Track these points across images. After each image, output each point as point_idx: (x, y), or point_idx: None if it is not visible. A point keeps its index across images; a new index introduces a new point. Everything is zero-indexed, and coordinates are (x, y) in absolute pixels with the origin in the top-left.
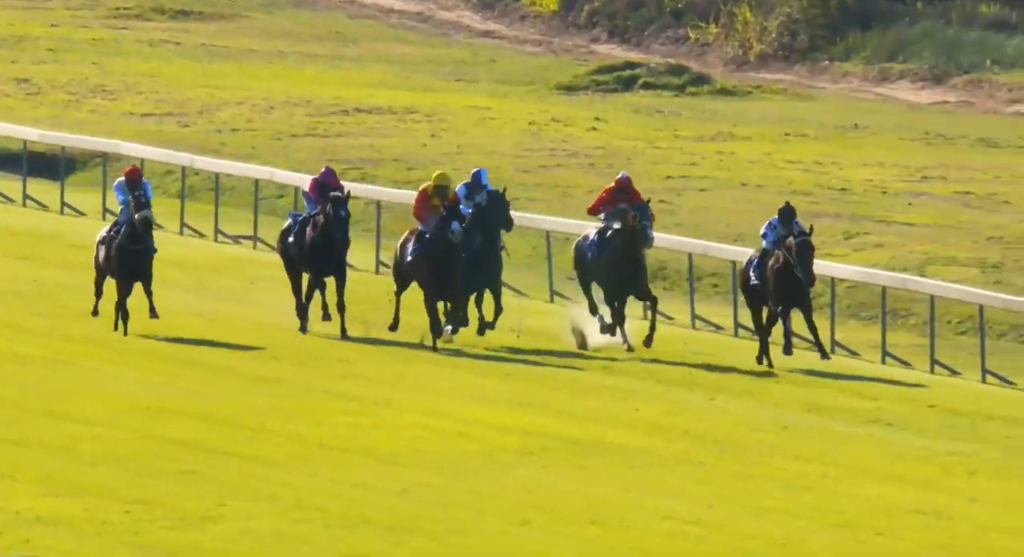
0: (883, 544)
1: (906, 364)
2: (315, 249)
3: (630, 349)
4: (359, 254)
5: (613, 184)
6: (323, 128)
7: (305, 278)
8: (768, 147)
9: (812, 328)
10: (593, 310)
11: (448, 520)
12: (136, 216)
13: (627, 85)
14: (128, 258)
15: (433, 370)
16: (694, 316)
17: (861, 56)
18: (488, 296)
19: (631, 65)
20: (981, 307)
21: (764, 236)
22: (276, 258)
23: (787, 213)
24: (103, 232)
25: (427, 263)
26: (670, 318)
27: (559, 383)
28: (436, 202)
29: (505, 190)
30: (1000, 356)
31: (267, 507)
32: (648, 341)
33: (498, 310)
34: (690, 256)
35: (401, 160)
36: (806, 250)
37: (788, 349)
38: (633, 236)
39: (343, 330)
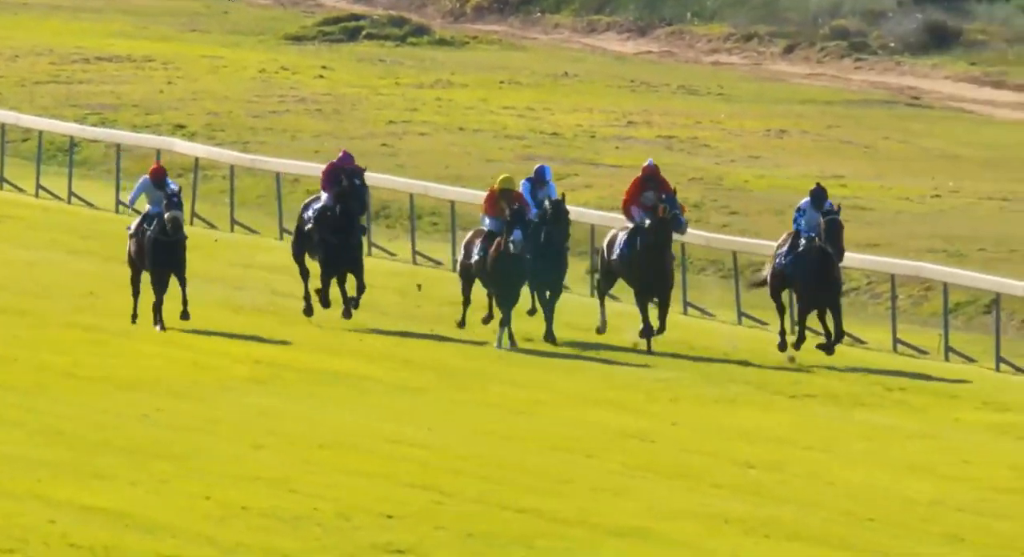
0: (592, 464)
1: (615, 299)
2: (329, 245)
3: (602, 331)
4: (98, 195)
5: (640, 173)
6: (65, 76)
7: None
8: (484, 94)
9: (836, 318)
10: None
11: (186, 444)
12: (167, 215)
13: (352, 36)
14: (160, 248)
15: (171, 305)
16: (415, 252)
17: (571, 8)
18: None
19: (355, 17)
20: (683, 245)
21: (795, 221)
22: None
23: (819, 195)
24: (133, 225)
25: (492, 267)
26: (392, 254)
27: (289, 317)
28: (502, 205)
29: (564, 196)
30: (699, 290)
31: (13, 433)
32: (660, 329)
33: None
34: (411, 197)
35: (139, 106)
36: (835, 227)
37: (830, 349)
38: (664, 226)
39: (350, 307)
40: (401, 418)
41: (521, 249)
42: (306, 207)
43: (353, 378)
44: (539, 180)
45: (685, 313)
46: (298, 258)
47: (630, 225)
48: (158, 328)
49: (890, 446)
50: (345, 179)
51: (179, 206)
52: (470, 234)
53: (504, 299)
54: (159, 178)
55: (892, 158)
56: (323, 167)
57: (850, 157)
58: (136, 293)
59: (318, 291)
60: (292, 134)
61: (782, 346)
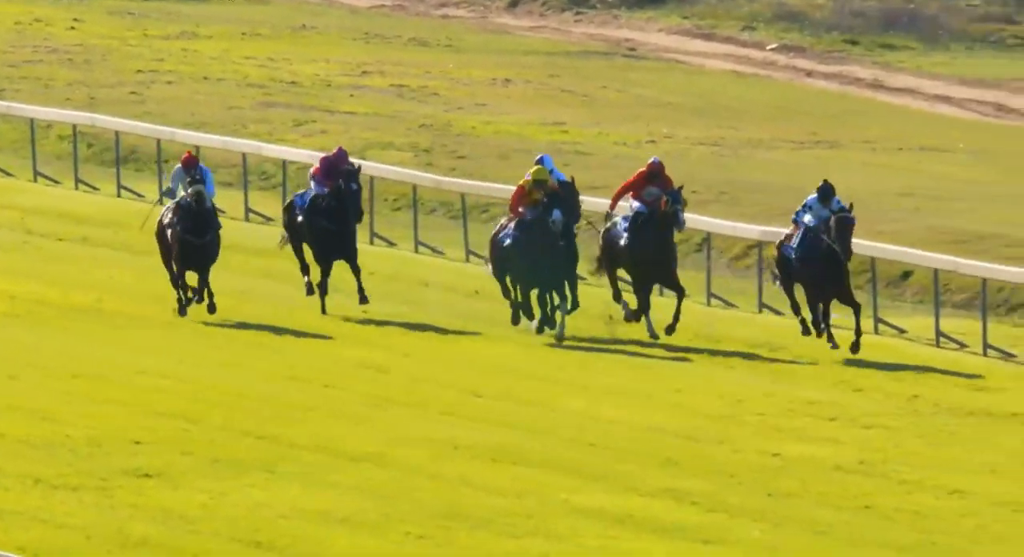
0: (330, 394)
1: (392, 245)
2: (324, 234)
3: (655, 336)
4: None
5: (644, 169)
6: None
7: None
8: (227, 45)
9: (858, 311)
10: (617, 297)
11: None
12: (190, 189)
13: None
14: (191, 250)
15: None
16: (162, 195)
17: None
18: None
19: None
20: (415, 186)
21: (797, 216)
22: None
23: (826, 191)
24: (167, 217)
25: (525, 249)
26: (140, 195)
27: (43, 255)
28: (537, 196)
29: (573, 179)
30: (430, 230)
31: None
32: (670, 329)
33: (574, 305)
34: (158, 142)
35: None
36: (846, 225)
37: (831, 341)
38: (665, 220)
39: (361, 293)
40: (150, 351)
41: (560, 228)
42: (295, 199)
43: (106, 314)
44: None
45: (416, 251)
46: (297, 251)
47: (631, 210)
48: (189, 296)
49: (609, 377)
50: (343, 181)
51: (202, 182)
52: (501, 222)
53: (551, 284)
54: (190, 165)
55: (610, 106)
56: (317, 161)
57: (570, 105)
58: (178, 285)
59: (319, 285)
60: (45, 82)
61: (806, 332)
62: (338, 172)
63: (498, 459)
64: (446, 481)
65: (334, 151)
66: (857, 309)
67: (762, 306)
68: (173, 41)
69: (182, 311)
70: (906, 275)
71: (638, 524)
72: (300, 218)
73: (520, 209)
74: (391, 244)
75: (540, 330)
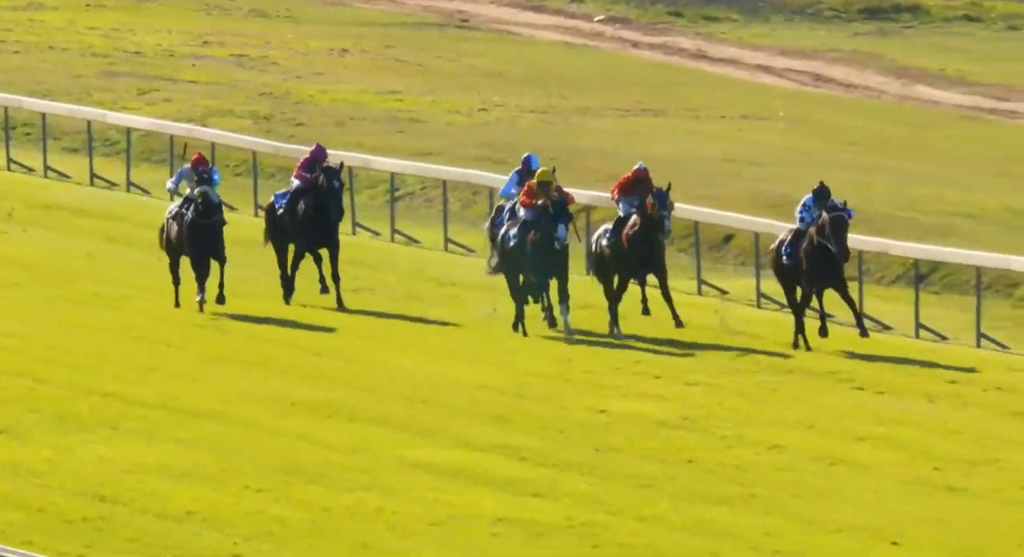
0: (172, 354)
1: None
2: (309, 221)
3: (619, 333)
4: None
5: (631, 174)
6: None
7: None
8: (72, 16)
9: (850, 303)
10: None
11: None
12: (197, 190)
13: None
14: (198, 233)
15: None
16: (10, 161)
17: None
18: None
19: None
20: (255, 153)
21: (801, 218)
22: None
23: (822, 192)
24: (173, 208)
25: (528, 252)
26: (67, 176)
27: None
28: (541, 198)
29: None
30: (268, 194)
31: None
32: (677, 322)
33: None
34: (6, 109)
35: None
36: (840, 224)
37: (824, 331)
38: (651, 224)
39: (339, 301)
40: None
41: (564, 244)
42: (275, 199)
43: None
44: (526, 170)
45: (256, 215)
46: (280, 247)
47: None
48: (199, 298)
49: (439, 337)
50: (323, 178)
51: (209, 182)
52: (505, 226)
53: (551, 283)
54: (200, 165)
55: (443, 75)
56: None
57: (405, 74)
58: (176, 281)
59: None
60: None
61: (822, 331)
62: (321, 169)
63: (334, 415)
64: (284, 437)
65: (312, 148)
66: (851, 304)
67: (590, 270)
68: (20, 12)
69: (178, 303)
70: (728, 239)
71: (469, 478)
72: (281, 211)
73: (527, 202)
74: (232, 208)
75: (552, 322)
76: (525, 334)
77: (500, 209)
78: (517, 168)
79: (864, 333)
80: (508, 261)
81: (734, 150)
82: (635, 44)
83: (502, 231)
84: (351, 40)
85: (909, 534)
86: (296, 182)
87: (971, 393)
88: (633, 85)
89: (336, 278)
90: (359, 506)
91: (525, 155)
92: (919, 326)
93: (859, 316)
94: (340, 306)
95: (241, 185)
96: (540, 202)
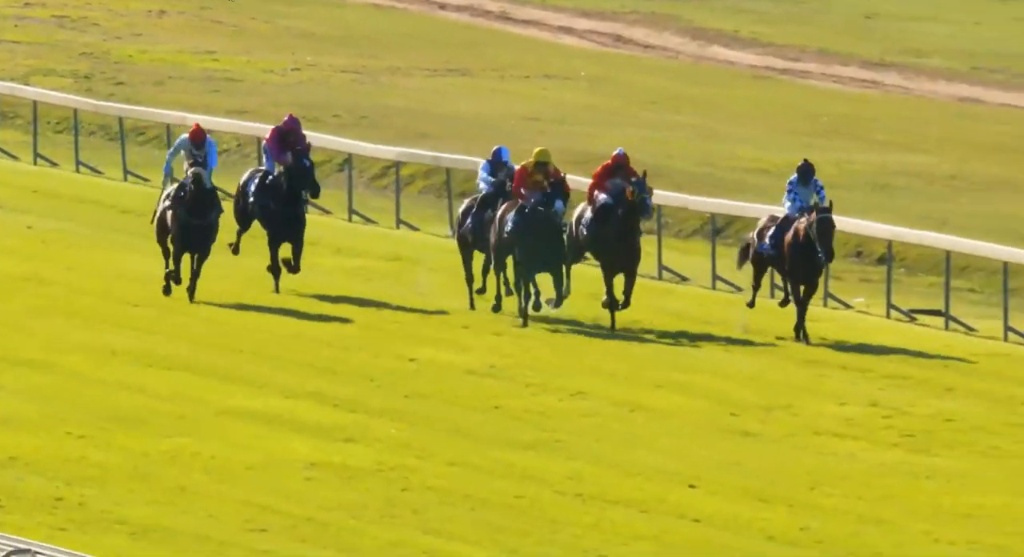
0: None
1: (55, 165)
2: (275, 216)
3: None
4: None
5: (610, 161)
6: None
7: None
8: None
9: (802, 308)
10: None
11: None
12: (190, 172)
13: None
14: (190, 233)
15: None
16: None
17: None
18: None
19: None
20: (75, 111)
21: (791, 199)
22: None
23: (805, 171)
24: (170, 191)
25: (526, 236)
26: None
27: None
28: (538, 178)
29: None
30: (89, 151)
31: None
32: (624, 305)
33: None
34: None
35: None
36: (827, 227)
37: (786, 302)
38: (633, 209)
39: (294, 265)
40: None
41: (562, 218)
42: (250, 178)
43: None
44: (496, 161)
45: (77, 171)
46: (243, 226)
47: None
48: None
49: (260, 290)
50: (292, 157)
51: (204, 165)
52: (503, 208)
53: (550, 268)
54: (198, 138)
55: (258, 36)
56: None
57: (221, 35)
58: (166, 253)
59: (270, 267)
60: None
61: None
62: (292, 150)
63: (153, 364)
64: (104, 385)
65: (285, 119)
66: (804, 308)
67: (400, 223)
68: None
69: (167, 290)
70: None
71: (284, 424)
72: (252, 199)
73: (522, 191)
74: (53, 164)
75: (538, 307)
76: (537, 308)
77: (467, 212)
78: (488, 159)
79: (804, 339)
80: (503, 246)
81: (538, 109)
82: (442, 6)
83: (499, 213)
84: (169, 2)
85: (705, 477)
86: (267, 162)
87: (765, 342)
88: (440, 46)
89: (296, 257)
90: (177, 451)
91: (496, 148)
92: (715, 278)
93: (803, 320)
94: (293, 268)
95: (62, 141)
96: (538, 181)
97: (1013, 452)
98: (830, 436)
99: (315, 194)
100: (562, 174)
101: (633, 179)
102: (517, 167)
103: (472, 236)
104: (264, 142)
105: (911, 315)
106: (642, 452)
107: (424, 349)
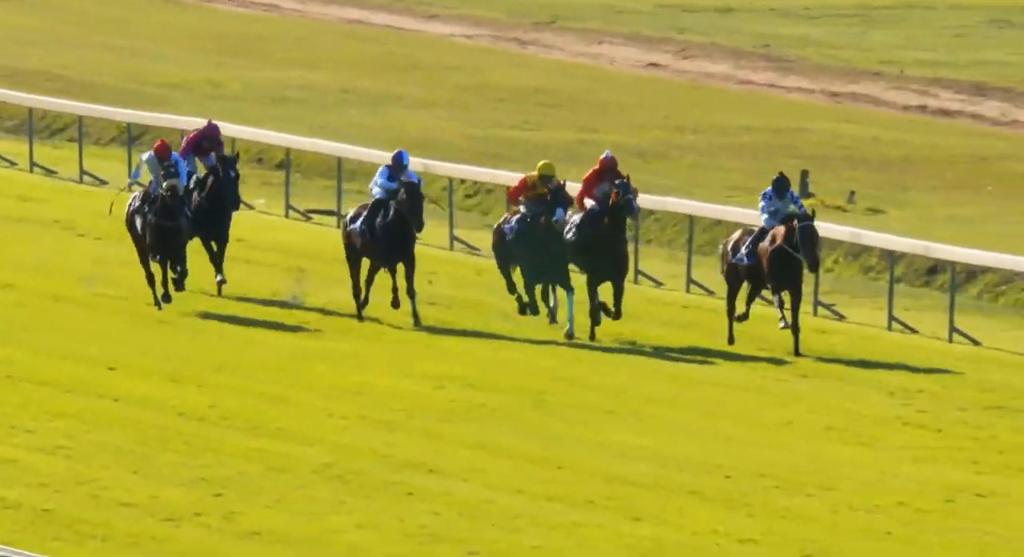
0: None
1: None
2: (202, 212)
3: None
4: None
5: (598, 165)
6: None
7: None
8: None
9: (794, 314)
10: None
11: None
12: (164, 184)
13: None
14: (161, 234)
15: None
16: None
17: None
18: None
19: None
20: None
21: (769, 211)
22: None
23: (780, 183)
24: (135, 203)
25: (527, 245)
26: None
27: None
28: (542, 191)
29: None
30: None
31: None
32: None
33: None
34: None
35: None
36: (810, 234)
37: (786, 324)
38: (619, 211)
39: (220, 274)
40: None
41: (564, 226)
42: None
43: None
44: (397, 166)
45: None
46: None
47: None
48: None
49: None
50: (220, 169)
51: (176, 176)
52: (504, 216)
53: (554, 277)
54: (163, 154)
55: None
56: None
57: None
58: (151, 278)
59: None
60: None
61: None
62: (217, 158)
63: None
64: None
65: (205, 125)
66: (796, 310)
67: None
68: None
69: (159, 304)
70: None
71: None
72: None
73: (520, 199)
74: None
75: (553, 319)
76: (553, 318)
77: (356, 217)
78: (387, 163)
79: (793, 335)
80: (506, 255)
81: None
82: None
83: (499, 223)
84: None
85: (123, 360)
86: (182, 166)
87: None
88: None
89: (221, 259)
90: None
91: (396, 152)
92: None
93: (797, 326)
94: (220, 277)
95: None
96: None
97: (397, 337)
98: (243, 326)
99: (235, 207)
100: (561, 182)
101: (617, 181)
102: (520, 179)
103: (361, 240)
104: (182, 143)
105: (307, 214)
106: (69, 339)
107: None
